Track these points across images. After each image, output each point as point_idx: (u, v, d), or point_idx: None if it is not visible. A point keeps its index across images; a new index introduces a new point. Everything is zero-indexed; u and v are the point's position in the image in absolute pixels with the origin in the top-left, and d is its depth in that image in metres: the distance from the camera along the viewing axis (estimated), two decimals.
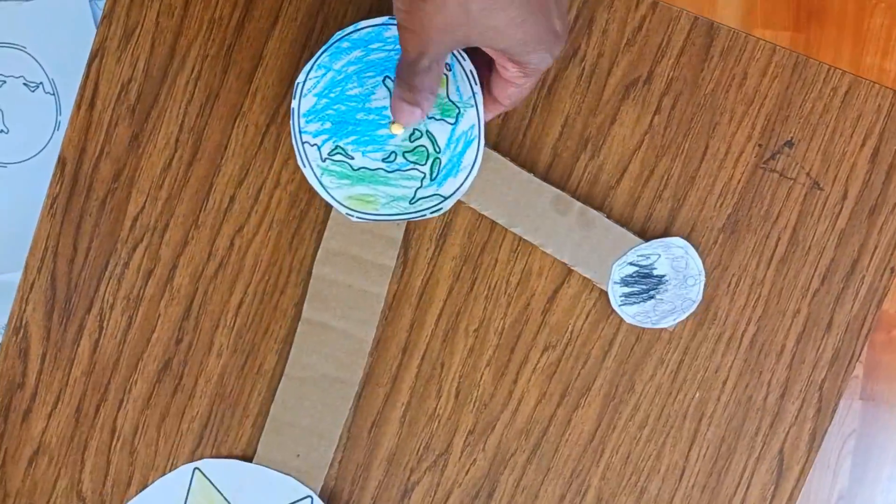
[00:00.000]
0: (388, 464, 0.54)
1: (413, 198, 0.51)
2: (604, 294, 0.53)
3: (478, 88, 0.49)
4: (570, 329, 0.53)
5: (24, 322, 0.54)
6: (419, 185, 0.51)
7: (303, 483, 0.53)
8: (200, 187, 0.53)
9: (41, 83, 0.77)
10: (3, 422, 0.54)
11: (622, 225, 0.53)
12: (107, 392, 0.54)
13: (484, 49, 0.43)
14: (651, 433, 0.54)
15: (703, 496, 0.54)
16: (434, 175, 0.51)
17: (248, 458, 0.53)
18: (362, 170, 0.51)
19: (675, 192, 0.53)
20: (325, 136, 0.51)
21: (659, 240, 0.52)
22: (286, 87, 0.52)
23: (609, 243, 0.52)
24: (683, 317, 0.53)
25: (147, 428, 0.54)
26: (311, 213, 0.53)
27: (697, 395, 0.53)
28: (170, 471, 0.54)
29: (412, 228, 0.53)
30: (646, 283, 0.51)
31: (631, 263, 0.51)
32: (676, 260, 0.51)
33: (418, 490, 0.54)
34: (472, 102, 0.49)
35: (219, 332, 0.54)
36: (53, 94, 0.78)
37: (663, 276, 0.52)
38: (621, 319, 0.53)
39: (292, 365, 0.53)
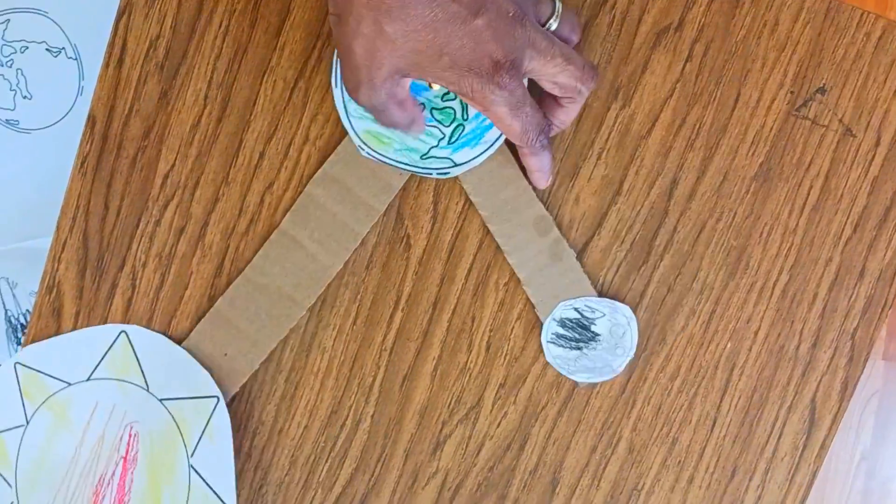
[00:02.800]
0: (420, 417, 0.54)
1: (425, 154, 0.51)
2: (635, 245, 0.53)
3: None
4: (600, 281, 0.53)
5: (56, 281, 0.54)
6: (435, 144, 0.51)
7: (218, 383, 0.53)
8: (230, 144, 0.53)
9: (63, 48, 0.77)
10: None
11: (583, 269, 0.52)
12: None
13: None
14: (682, 384, 0.54)
15: (735, 446, 0.54)
16: (453, 139, 0.50)
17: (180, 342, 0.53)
18: None
19: (706, 141, 0.52)
20: None
21: (610, 301, 0.52)
22: (314, 41, 0.52)
23: (566, 282, 0.52)
24: (597, 380, 0.53)
25: None
26: None
27: (729, 345, 0.53)
28: None
29: (442, 183, 0.53)
30: (580, 333, 0.52)
31: (576, 309, 0.52)
32: (617, 326, 0.52)
33: (450, 443, 0.54)
34: None
35: None
36: (76, 59, 0.78)
37: (598, 335, 0.52)
38: (651, 272, 0.53)
39: (253, 268, 0.53)
